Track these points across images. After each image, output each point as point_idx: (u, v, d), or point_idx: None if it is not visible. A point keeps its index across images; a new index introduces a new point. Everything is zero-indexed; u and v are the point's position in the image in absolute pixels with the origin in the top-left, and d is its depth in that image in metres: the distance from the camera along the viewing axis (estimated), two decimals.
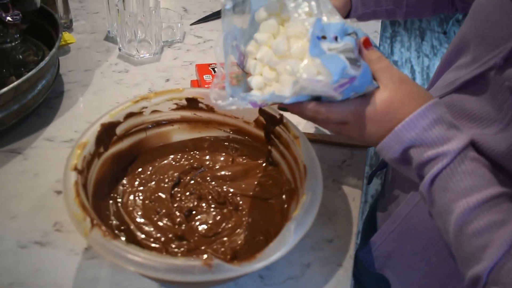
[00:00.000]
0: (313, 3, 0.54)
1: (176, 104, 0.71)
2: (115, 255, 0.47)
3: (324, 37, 0.51)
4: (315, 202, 0.55)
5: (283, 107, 0.56)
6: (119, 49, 1.06)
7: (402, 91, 0.53)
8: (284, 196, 0.67)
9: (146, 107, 0.68)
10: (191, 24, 1.21)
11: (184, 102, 0.71)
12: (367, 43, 0.55)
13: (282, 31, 0.56)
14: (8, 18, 0.86)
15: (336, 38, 0.52)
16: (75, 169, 0.56)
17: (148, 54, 1.05)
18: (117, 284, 0.61)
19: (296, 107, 0.55)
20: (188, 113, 0.72)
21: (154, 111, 0.70)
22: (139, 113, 0.68)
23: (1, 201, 0.70)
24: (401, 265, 0.72)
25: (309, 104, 0.53)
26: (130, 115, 0.67)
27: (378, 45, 1.24)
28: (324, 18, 0.53)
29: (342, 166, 0.82)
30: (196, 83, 0.95)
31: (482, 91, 0.56)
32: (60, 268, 0.63)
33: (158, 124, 0.72)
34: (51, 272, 0.62)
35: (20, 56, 0.94)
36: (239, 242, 0.61)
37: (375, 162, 2.36)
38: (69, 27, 1.12)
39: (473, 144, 0.52)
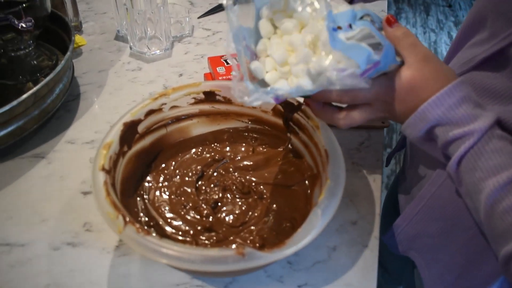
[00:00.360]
0: None
1: (194, 98, 0.71)
2: (150, 250, 0.49)
3: (339, 28, 0.51)
4: (339, 185, 0.56)
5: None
6: (130, 48, 1.07)
7: (426, 69, 0.53)
8: (307, 182, 0.68)
9: (165, 104, 0.69)
10: (199, 17, 1.21)
11: (202, 96, 0.72)
12: (390, 21, 0.55)
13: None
14: (22, 24, 0.87)
15: (350, 26, 0.52)
16: (103, 169, 0.57)
17: (159, 51, 1.06)
18: (149, 278, 0.63)
19: (320, 94, 0.56)
20: (206, 107, 0.73)
21: (173, 107, 0.71)
22: (159, 109, 0.69)
23: (31, 205, 0.72)
24: (427, 247, 0.71)
25: (333, 90, 0.54)
26: (150, 112, 0.68)
27: None
28: (334, 10, 0.53)
29: (360, 148, 0.82)
30: (209, 76, 0.95)
31: (503, 67, 0.56)
32: (93, 266, 0.64)
33: (178, 119, 0.73)
34: (86, 271, 0.64)
35: (35, 62, 0.96)
36: (267, 230, 0.63)
37: (388, 142, 2.36)
38: (79, 30, 1.14)
39: (498, 122, 0.51)
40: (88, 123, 0.87)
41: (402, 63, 0.54)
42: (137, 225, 0.50)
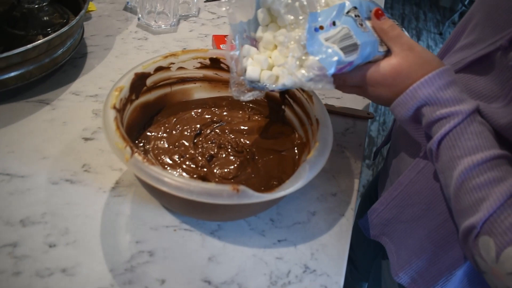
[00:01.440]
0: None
1: (200, 63, 0.77)
2: (153, 178, 0.53)
3: (321, 28, 0.55)
4: (327, 147, 0.62)
5: None
6: (138, 19, 1.11)
7: (411, 57, 0.58)
8: (296, 149, 0.74)
9: (173, 63, 0.74)
10: (205, 1, 1.27)
11: (208, 62, 0.77)
12: (378, 14, 0.59)
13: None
14: None
15: (334, 23, 0.56)
16: (114, 107, 0.62)
17: (165, 25, 1.11)
18: (141, 218, 0.67)
19: None
20: (210, 73, 0.78)
21: (180, 68, 0.76)
22: (167, 68, 0.74)
23: (33, 144, 0.76)
24: (398, 232, 0.75)
25: None
26: (159, 68, 0.73)
27: None
28: (318, 8, 0.56)
29: (346, 133, 0.89)
30: None
31: (488, 70, 0.61)
32: (89, 202, 0.68)
33: (183, 80, 0.78)
34: (81, 206, 0.68)
35: (47, 18, 1.00)
36: (256, 184, 0.68)
37: (367, 154, 2.44)
38: None
39: (479, 111, 0.56)
40: (93, 79, 0.92)
41: (387, 53, 0.59)
42: (143, 155, 0.55)
